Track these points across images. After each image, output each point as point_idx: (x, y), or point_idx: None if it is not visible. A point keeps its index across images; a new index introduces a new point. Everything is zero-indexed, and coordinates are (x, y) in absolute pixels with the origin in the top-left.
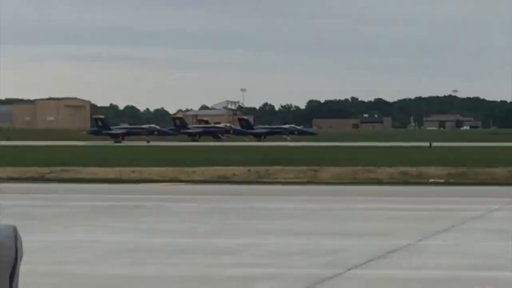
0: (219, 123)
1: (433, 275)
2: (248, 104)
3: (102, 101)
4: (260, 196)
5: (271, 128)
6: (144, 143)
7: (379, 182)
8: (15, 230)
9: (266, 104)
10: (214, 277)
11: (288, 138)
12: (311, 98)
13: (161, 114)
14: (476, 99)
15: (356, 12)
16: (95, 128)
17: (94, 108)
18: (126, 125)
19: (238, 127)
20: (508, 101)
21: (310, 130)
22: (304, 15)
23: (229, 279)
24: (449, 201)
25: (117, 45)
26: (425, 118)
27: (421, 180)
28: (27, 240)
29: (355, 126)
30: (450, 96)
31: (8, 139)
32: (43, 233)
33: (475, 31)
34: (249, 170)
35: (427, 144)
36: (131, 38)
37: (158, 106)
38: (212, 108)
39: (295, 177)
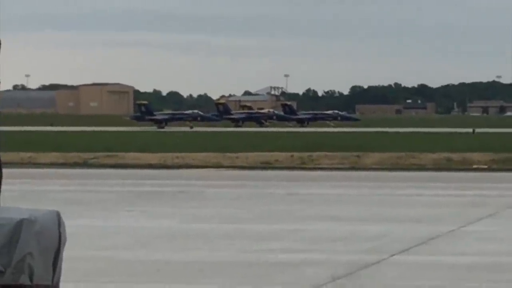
0: (262, 108)
1: (476, 261)
2: (291, 89)
3: (145, 87)
4: (303, 182)
5: (314, 114)
6: (187, 129)
7: (422, 168)
8: (58, 215)
9: (309, 90)
10: (259, 262)
11: (332, 124)
12: (354, 84)
13: (204, 100)
14: None
15: None
16: (138, 114)
17: (137, 93)
18: (170, 111)
19: (281, 113)
20: None
21: (353, 116)
22: (348, 1)
23: (274, 265)
24: (492, 187)
25: (161, 31)
26: (468, 104)
27: (464, 166)
28: (70, 225)
29: (398, 112)
30: (493, 81)
31: (51, 124)
32: (86, 219)
33: None
34: (292, 156)
35: (470, 130)
36: (175, 25)
37: (201, 92)
38: (255, 94)
39: (338, 163)
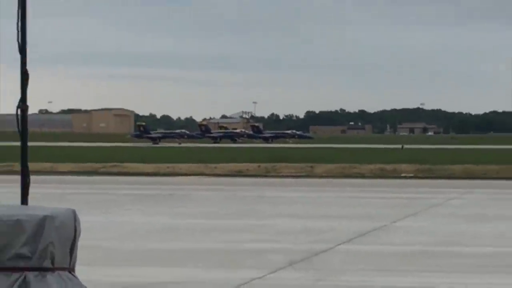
0: (235, 129)
1: (404, 249)
2: (258, 114)
3: (143, 111)
4: (268, 187)
5: (277, 133)
6: (176, 145)
7: (362, 176)
8: (74, 212)
9: (272, 114)
10: (233, 250)
11: (290, 141)
12: (308, 109)
13: (190, 121)
14: (439, 111)
15: (348, 39)
16: (137, 133)
17: (137, 116)
18: (162, 130)
19: (251, 132)
20: (464, 112)
21: (307, 134)
22: (302, 41)
23: (244, 252)
24: (417, 191)
25: (157, 67)
26: (398, 126)
27: (395, 175)
28: (84, 221)
29: (343, 131)
30: (418, 108)
31: (69, 141)
32: (96, 215)
33: (444, 57)
34: (259, 166)
35: (400, 146)
36: (164, 62)
37: (187, 115)
38: (230, 117)
39: (296, 172)
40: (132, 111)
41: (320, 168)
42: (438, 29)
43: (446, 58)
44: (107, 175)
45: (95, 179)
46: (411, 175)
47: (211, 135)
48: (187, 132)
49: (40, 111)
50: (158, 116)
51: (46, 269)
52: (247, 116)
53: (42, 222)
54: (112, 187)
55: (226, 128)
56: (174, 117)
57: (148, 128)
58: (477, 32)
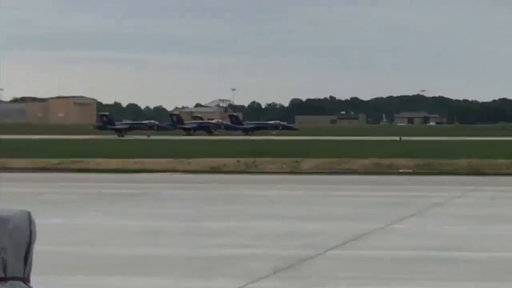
0: (212, 119)
1: (402, 255)
2: (237, 102)
3: (107, 99)
4: (248, 185)
5: (258, 123)
6: (145, 137)
7: (354, 172)
8: (29, 214)
9: (253, 102)
10: (210, 256)
11: (273, 132)
12: (294, 97)
13: (160, 111)
14: (441, 98)
15: (338, 19)
16: (100, 124)
17: (100, 105)
18: (129, 121)
19: (229, 123)
20: (470, 99)
21: (293, 125)
22: (289, 23)
23: (221, 259)
24: (416, 189)
25: (122, 49)
26: (395, 115)
27: (391, 170)
28: (40, 224)
29: (333, 122)
30: (418, 95)
31: (22, 133)
32: (54, 217)
33: (448, 38)
34: (238, 161)
35: (397, 138)
36: (135, 44)
37: (157, 104)
38: (206, 106)
39: (279, 168)
40: (94, 100)
41: (307, 163)
42: (441, 6)
43: (450, 39)
44: (67, 172)
45: (52, 177)
46: (410, 170)
47: (184, 126)
48: (157, 123)
49: None
50: (124, 105)
51: None
52: (224, 105)
53: None
54: (72, 185)
55: (201, 118)
56: (142, 106)
57: (113, 118)
58: (485, 10)
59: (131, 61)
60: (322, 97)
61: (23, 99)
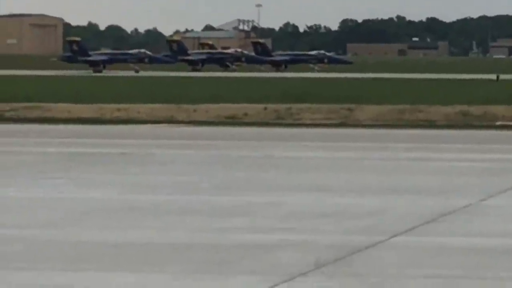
0: (227, 48)
1: (496, 243)
2: (264, 24)
3: (78, 20)
4: (279, 142)
5: (294, 55)
6: (132, 73)
7: (431, 124)
8: None
9: (287, 24)
10: (222, 244)
11: (316, 67)
12: (345, 17)
13: (153, 36)
14: None
15: None
16: (69, 54)
17: (68, 28)
18: (109, 50)
19: (252, 53)
20: None
21: (344, 57)
22: None
23: (239, 248)
24: None
25: None
26: (491, 44)
27: (485, 123)
28: None
29: (402, 53)
30: None
31: None
32: (5, 188)
33: None
34: (265, 109)
35: (493, 76)
36: None
37: (149, 26)
38: (219, 29)
39: (325, 118)
40: (60, 19)
41: (364, 111)
42: None
43: None
44: (19, 123)
45: None
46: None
47: (188, 58)
48: (149, 53)
49: None
50: (102, 28)
51: None
52: (246, 28)
53: None
54: (26, 141)
55: (212, 46)
56: (128, 29)
57: (86, 46)
58: None
59: None
60: (386, 17)
61: None
